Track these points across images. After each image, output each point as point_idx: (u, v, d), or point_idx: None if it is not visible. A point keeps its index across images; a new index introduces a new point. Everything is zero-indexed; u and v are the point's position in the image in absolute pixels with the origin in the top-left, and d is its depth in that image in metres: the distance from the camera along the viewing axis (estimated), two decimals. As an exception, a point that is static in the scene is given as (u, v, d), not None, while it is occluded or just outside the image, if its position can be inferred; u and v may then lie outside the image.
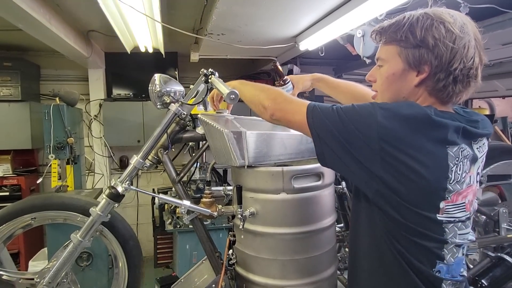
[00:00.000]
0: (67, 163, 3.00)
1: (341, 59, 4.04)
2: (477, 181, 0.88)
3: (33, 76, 3.63)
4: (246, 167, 1.21)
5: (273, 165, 1.26)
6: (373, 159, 0.78)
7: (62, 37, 2.50)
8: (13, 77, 3.25)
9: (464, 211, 0.83)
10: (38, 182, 3.09)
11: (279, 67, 1.40)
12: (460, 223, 0.82)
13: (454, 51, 0.79)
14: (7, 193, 3.26)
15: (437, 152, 0.77)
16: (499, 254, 1.38)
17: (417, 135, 0.77)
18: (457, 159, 0.79)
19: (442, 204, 0.79)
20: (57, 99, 2.96)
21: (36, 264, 2.70)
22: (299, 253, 1.23)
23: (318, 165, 1.25)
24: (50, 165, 3.03)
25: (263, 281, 1.24)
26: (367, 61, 2.24)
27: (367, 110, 0.80)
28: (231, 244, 1.36)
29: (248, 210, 1.22)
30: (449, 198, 0.79)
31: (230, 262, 1.33)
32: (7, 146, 3.30)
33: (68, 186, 3.00)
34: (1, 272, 1.44)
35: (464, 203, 0.82)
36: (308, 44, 2.69)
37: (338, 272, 1.43)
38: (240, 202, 1.23)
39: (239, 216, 1.22)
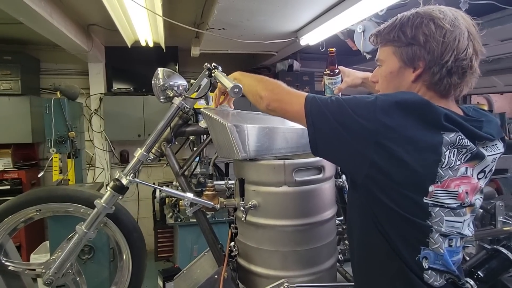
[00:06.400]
0: (68, 157, 3.02)
1: (341, 54, 4.04)
2: (478, 178, 0.87)
3: (33, 70, 3.63)
4: (248, 160, 1.22)
5: (275, 159, 1.28)
6: (367, 142, 0.80)
7: (63, 31, 2.50)
8: (13, 70, 3.25)
9: (455, 199, 0.82)
10: (39, 175, 3.12)
11: (334, 56, 1.32)
12: (448, 209, 0.82)
13: (445, 45, 0.82)
14: (8, 187, 3.28)
15: (431, 136, 0.79)
16: (495, 247, 1.40)
17: (412, 118, 0.79)
18: (452, 145, 0.79)
19: (431, 188, 0.79)
20: (58, 93, 2.96)
21: (38, 257, 2.72)
22: (300, 244, 1.25)
23: (319, 158, 1.28)
24: (51, 159, 3.05)
25: (264, 272, 1.27)
26: (367, 56, 2.25)
27: (367, 97, 0.83)
28: (233, 236, 1.39)
29: (250, 203, 1.24)
30: (439, 182, 0.80)
31: (232, 254, 1.36)
32: (8, 140, 3.31)
33: (69, 180, 3.02)
34: (7, 263, 1.46)
35: (456, 191, 0.82)
36: (309, 39, 2.70)
37: (338, 264, 1.45)
38: (242, 194, 1.25)
39: (242, 208, 1.24)
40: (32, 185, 3.47)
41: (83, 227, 1.34)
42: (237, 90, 1.08)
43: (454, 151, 0.80)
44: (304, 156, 1.33)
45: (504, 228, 1.54)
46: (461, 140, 0.80)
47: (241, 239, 1.34)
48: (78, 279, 1.49)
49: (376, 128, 0.79)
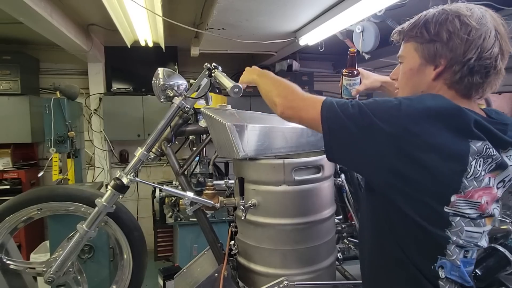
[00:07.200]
0: (68, 156, 3.02)
1: (340, 55, 4.04)
2: (497, 188, 0.83)
3: (32, 70, 3.63)
4: (247, 159, 1.23)
5: (274, 158, 1.29)
6: (387, 147, 0.76)
7: (63, 31, 2.50)
8: (12, 70, 3.25)
9: (476, 209, 0.79)
10: (39, 175, 3.12)
11: (355, 56, 1.29)
12: (468, 220, 0.79)
13: (469, 42, 0.79)
14: (8, 187, 3.28)
15: (458, 144, 0.75)
16: (492, 245, 1.41)
17: (439, 125, 0.75)
18: (479, 154, 0.76)
19: (453, 198, 0.76)
20: (57, 92, 2.97)
21: (38, 257, 2.72)
22: (299, 243, 1.27)
23: (318, 158, 1.29)
24: (51, 158, 3.05)
25: (264, 270, 1.28)
26: (366, 56, 2.26)
27: (390, 101, 0.80)
28: (233, 235, 1.40)
29: (249, 202, 1.26)
30: (463, 193, 0.76)
31: (231, 253, 1.37)
32: (7, 139, 3.31)
33: (69, 179, 3.03)
34: (8, 262, 1.47)
35: (479, 202, 0.79)
36: (308, 39, 2.71)
37: (337, 262, 1.46)
38: (242, 193, 1.26)
39: (241, 207, 1.25)
40: (32, 185, 3.47)
41: (84, 226, 1.35)
42: (237, 90, 1.09)
43: (480, 161, 0.77)
44: (303, 155, 1.34)
45: (501, 227, 1.54)
46: (488, 150, 0.77)
47: (241, 237, 1.35)
48: (79, 277, 1.50)
49: (399, 133, 0.75)
